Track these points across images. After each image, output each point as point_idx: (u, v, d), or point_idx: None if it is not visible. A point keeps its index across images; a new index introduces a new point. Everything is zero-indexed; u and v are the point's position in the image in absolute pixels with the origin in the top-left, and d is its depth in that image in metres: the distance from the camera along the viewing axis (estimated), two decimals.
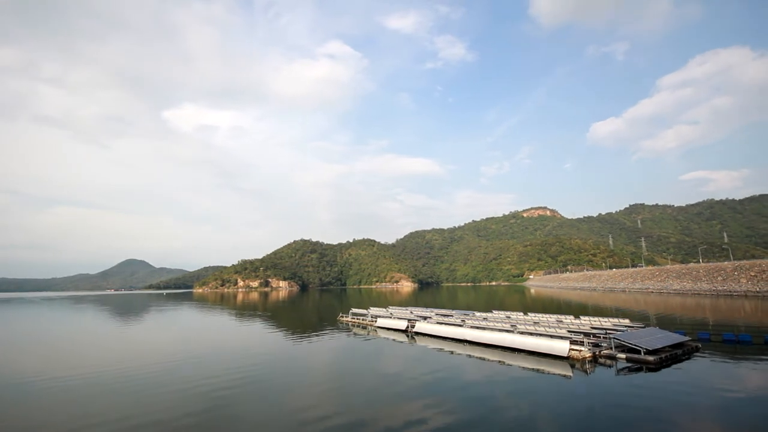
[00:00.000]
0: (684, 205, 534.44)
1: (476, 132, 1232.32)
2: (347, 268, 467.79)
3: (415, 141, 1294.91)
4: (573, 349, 22.79)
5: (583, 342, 23.79)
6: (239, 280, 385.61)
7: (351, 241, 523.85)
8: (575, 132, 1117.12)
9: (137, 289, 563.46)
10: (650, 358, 20.72)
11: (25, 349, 32.68)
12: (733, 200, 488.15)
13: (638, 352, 21.38)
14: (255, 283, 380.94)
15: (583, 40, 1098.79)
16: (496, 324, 31.54)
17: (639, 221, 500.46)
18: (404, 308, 51.01)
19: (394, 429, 12.68)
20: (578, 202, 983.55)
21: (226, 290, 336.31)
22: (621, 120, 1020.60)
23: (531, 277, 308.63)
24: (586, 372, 19.60)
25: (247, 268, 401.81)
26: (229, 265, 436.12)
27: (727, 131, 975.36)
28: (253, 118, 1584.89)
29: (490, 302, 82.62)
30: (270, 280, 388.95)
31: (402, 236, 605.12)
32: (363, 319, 44.32)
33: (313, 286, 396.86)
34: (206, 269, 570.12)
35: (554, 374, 19.34)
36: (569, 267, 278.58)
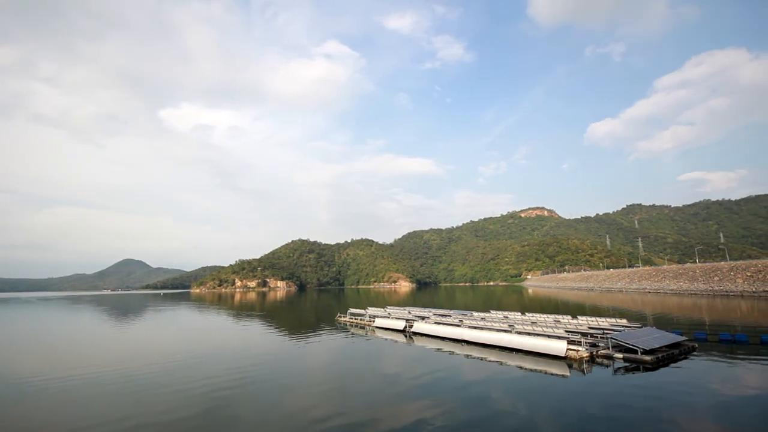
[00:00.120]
0: (681, 205, 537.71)
1: (474, 132, 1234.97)
2: (345, 268, 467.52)
3: (414, 141, 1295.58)
4: (570, 349, 22.87)
5: (580, 342, 23.87)
6: (237, 280, 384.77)
7: (349, 241, 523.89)
8: (573, 132, 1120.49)
9: (134, 289, 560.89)
10: (647, 357, 20.81)
11: (23, 350, 32.53)
12: (730, 201, 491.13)
13: (635, 351, 21.47)
14: (253, 283, 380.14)
15: (581, 40, 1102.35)
16: (493, 324, 31.60)
17: (636, 221, 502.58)
18: (402, 308, 51.03)
19: (393, 430, 12.69)
20: (576, 202, 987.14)
21: (223, 290, 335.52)
22: (618, 120, 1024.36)
23: (529, 277, 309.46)
24: (583, 372, 19.68)
25: (244, 268, 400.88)
26: (226, 265, 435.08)
27: (724, 132, 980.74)
28: (251, 117, 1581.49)
29: (487, 302, 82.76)
30: (268, 280, 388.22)
31: (400, 236, 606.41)
32: (361, 319, 44.32)
33: (311, 286, 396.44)
34: (204, 269, 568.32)
35: (552, 374, 19.40)
36: (567, 267, 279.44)
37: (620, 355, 21.74)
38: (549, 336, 25.82)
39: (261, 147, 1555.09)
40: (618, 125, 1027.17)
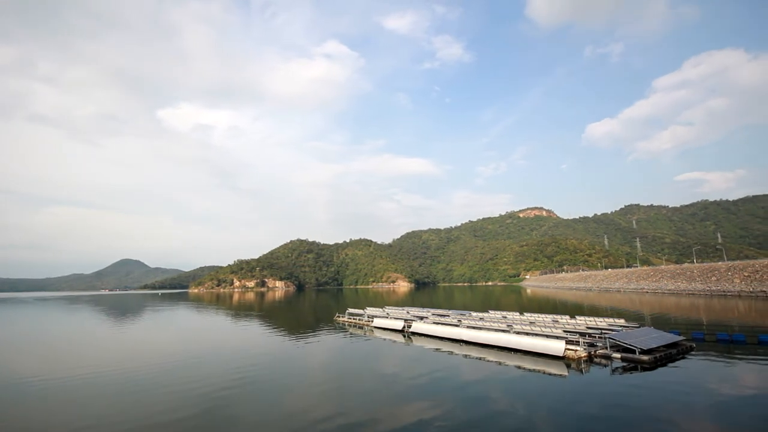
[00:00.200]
0: (678, 205, 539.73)
1: (473, 132, 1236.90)
2: (344, 268, 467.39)
3: (412, 141, 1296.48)
4: (569, 349, 22.92)
5: (578, 342, 23.92)
6: (235, 280, 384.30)
7: (347, 241, 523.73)
8: (571, 132, 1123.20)
9: (132, 289, 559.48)
10: (645, 357, 20.86)
11: (21, 350, 32.43)
12: (727, 201, 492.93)
13: (633, 351, 21.52)
14: (251, 283, 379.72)
15: (580, 40, 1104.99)
16: (492, 324, 31.63)
17: (634, 222, 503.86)
18: (401, 308, 51.04)
19: (393, 430, 12.68)
20: (574, 202, 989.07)
21: (222, 290, 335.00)
22: (617, 121, 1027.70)
23: (527, 277, 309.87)
24: (581, 372, 19.71)
25: (243, 268, 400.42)
26: (225, 265, 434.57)
27: (722, 132, 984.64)
28: (250, 117, 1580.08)
29: (486, 302, 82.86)
30: (266, 280, 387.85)
31: (399, 236, 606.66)
32: (359, 319, 44.30)
33: (309, 286, 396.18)
34: (202, 269, 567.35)
35: (550, 374, 19.43)
36: (565, 267, 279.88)
37: (618, 355, 21.78)
38: (547, 336, 25.87)
39: (260, 147, 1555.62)
40: (617, 125, 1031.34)
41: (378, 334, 35.41)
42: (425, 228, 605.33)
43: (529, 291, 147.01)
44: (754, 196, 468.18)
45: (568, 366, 20.76)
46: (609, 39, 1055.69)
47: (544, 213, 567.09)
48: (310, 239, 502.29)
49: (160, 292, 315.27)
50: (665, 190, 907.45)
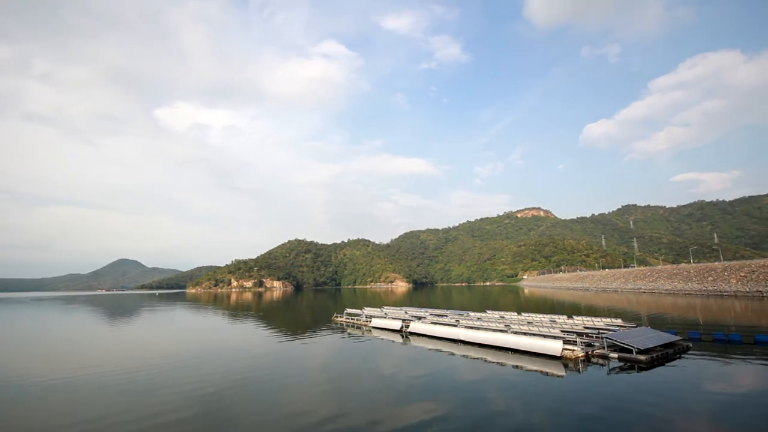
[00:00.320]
0: (675, 206, 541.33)
1: (471, 132, 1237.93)
2: (342, 268, 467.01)
3: (410, 141, 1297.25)
4: (566, 349, 22.97)
5: (576, 342, 24.00)
6: (233, 280, 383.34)
7: (346, 241, 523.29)
8: (569, 133, 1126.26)
9: (129, 289, 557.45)
10: (642, 357, 20.95)
11: (20, 350, 32.25)
12: (724, 201, 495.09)
13: (630, 351, 21.60)
14: (249, 284, 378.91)
15: (577, 41, 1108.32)
16: (490, 324, 31.69)
17: (631, 222, 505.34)
18: (399, 308, 51.06)
19: (393, 431, 12.70)
20: (571, 202, 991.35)
21: (219, 290, 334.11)
22: (613, 121, 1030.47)
23: (525, 277, 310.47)
24: (578, 371, 19.77)
25: (240, 268, 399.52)
26: (222, 265, 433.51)
27: (718, 133, 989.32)
28: (248, 117, 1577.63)
29: (484, 302, 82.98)
30: (264, 280, 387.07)
31: (397, 236, 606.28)
32: (357, 319, 44.29)
33: (307, 287, 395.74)
34: (199, 269, 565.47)
35: (548, 374, 19.47)
36: (562, 267, 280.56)
37: (615, 355, 21.86)
38: (545, 336, 25.94)
39: (258, 147, 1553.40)
40: (613, 126, 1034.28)
41: (376, 334, 35.41)
42: (423, 228, 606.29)
43: (526, 291, 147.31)
44: (750, 197, 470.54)
45: (566, 366, 20.81)
46: (606, 40, 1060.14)
47: (542, 213, 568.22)
48: (308, 239, 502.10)
49: (157, 292, 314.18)
50: (662, 191, 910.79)
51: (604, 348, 22.84)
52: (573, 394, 16.21)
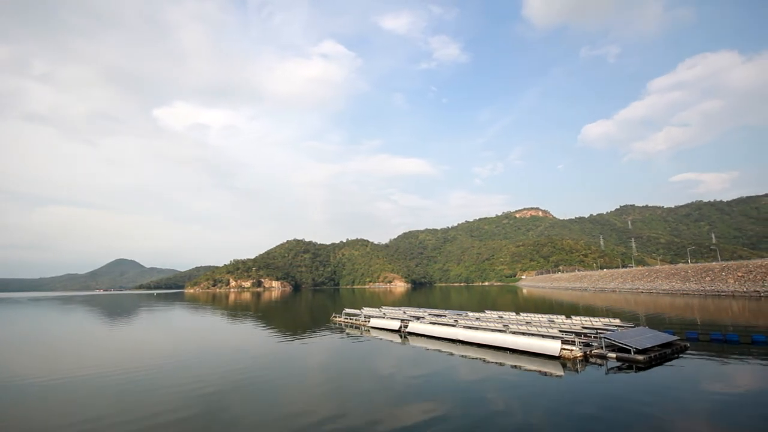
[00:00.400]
0: (673, 206, 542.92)
1: (469, 132, 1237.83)
2: (340, 268, 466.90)
3: (409, 141, 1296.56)
4: (564, 349, 23.01)
5: (574, 341, 24.04)
6: (231, 280, 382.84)
7: (344, 241, 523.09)
8: (567, 133, 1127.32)
9: (127, 289, 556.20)
10: (640, 357, 21.00)
11: (19, 350, 32.14)
12: (721, 202, 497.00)
13: (628, 351, 21.66)
14: (247, 283, 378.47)
15: (576, 41, 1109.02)
16: (488, 324, 31.73)
17: (629, 222, 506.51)
18: (397, 308, 51.07)
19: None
20: (570, 202, 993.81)
21: (217, 290, 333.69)
22: (612, 122, 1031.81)
23: (523, 277, 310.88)
24: (577, 371, 19.81)
25: (239, 268, 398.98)
26: (221, 265, 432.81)
27: (717, 134, 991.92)
28: (247, 117, 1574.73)
29: (482, 302, 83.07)
30: (262, 280, 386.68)
31: (395, 236, 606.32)
32: (356, 320, 44.28)
33: (305, 287, 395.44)
34: (198, 269, 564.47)
35: (546, 374, 19.51)
36: (561, 267, 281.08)
37: (613, 355, 21.91)
38: (543, 336, 25.98)
39: (256, 146, 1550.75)
40: (612, 126, 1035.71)
41: (375, 334, 35.41)
42: (422, 228, 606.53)
43: (525, 291, 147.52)
44: (748, 197, 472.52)
45: (564, 366, 20.84)
46: (605, 40, 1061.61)
47: (541, 213, 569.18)
48: (307, 239, 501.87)
49: (155, 292, 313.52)
50: (660, 191, 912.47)
51: (602, 348, 22.90)
52: (571, 393, 16.24)
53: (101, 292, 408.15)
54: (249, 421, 13.90)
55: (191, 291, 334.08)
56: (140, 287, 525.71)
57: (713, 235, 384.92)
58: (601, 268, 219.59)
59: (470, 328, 30.88)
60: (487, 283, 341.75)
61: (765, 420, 12.86)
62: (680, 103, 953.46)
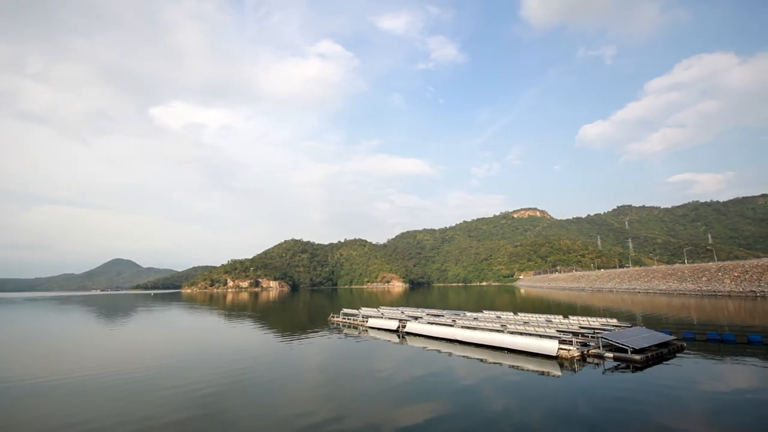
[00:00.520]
0: (670, 206, 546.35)
1: (467, 133, 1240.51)
2: (338, 268, 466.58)
3: (407, 141, 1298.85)
4: (562, 349, 23.07)
5: (571, 341, 24.10)
6: (229, 280, 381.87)
7: (342, 241, 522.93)
8: (565, 133, 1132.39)
9: (124, 289, 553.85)
10: (637, 357, 21.08)
11: (19, 350, 31.95)
12: (718, 202, 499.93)
13: (625, 351, 21.73)
14: (245, 284, 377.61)
15: (574, 42, 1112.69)
16: (486, 324, 31.76)
17: (626, 222, 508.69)
18: (395, 308, 51.06)
19: None
20: (567, 203, 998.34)
21: (215, 290, 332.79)
22: (609, 122, 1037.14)
23: (521, 277, 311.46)
24: (574, 371, 19.87)
25: (237, 268, 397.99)
26: (218, 265, 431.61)
27: (713, 134, 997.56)
28: (244, 116, 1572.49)
29: (480, 302, 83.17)
30: (260, 280, 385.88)
31: (393, 236, 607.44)
32: (354, 319, 44.26)
33: (303, 287, 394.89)
34: (195, 269, 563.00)
35: (544, 373, 19.56)
36: (558, 267, 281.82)
37: (610, 355, 21.99)
38: (541, 336, 26.03)
39: (254, 146, 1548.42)
40: (609, 127, 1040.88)
41: (373, 334, 35.40)
42: (420, 228, 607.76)
43: (522, 291, 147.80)
44: (744, 198, 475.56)
45: (561, 365, 20.91)
46: (602, 41, 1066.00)
47: (538, 214, 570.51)
48: (305, 239, 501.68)
49: (152, 292, 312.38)
50: (657, 192, 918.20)
51: (599, 348, 22.97)
52: (569, 393, 16.29)
53: (98, 292, 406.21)
54: (248, 422, 13.87)
55: (188, 291, 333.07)
56: (137, 287, 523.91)
57: (710, 236, 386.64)
58: (599, 268, 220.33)
59: (468, 328, 30.91)
60: (484, 283, 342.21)
61: (762, 419, 12.95)
62: (677, 104, 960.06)
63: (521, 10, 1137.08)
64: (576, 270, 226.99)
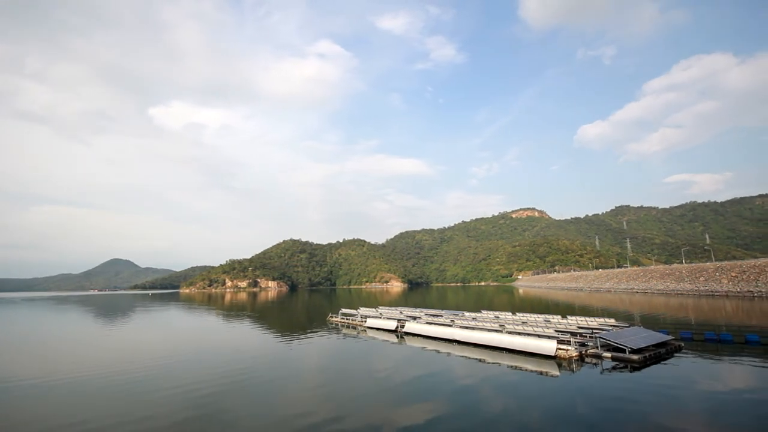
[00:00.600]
0: (668, 207, 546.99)
1: (466, 133, 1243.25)
2: (337, 268, 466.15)
3: (406, 141, 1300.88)
4: (560, 349, 23.14)
5: (569, 341, 24.16)
6: (227, 280, 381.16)
7: (341, 241, 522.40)
8: (563, 134, 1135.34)
9: (122, 289, 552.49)
10: (635, 356, 21.15)
11: (19, 350, 31.85)
12: (715, 202, 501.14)
13: (623, 351, 21.81)
14: (243, 284, 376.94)
15: (573, 43, 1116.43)
16: (485, 324, 31.81)
17: (624, 222, 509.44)
18: (394, 308, 51.09)
19: None
20: (566, 203, 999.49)
21: (213, 290, 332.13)
22: (607, 123, 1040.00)
23: (519, 277, 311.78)
24: (572, 371, 19.93)
25: (235, 268, 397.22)
26: (217, 265, 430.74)
27: (711, 135, 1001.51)
28: (243, 116, 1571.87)
29: (479, 302, 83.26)
30: (259, 280, 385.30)
31: (392, 236, 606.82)
32: (353, 320, 44.27)
33: (302, 287, 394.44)
34: (193, 269, 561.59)
35: (542, 373, 19.62)
36: (557, 267, 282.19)
37: (608, 354, 22.05)
38: (539, 336, 26.10)
39: (253, 146, 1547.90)
40: (608, 127, 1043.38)
41: (371, 334, 35.41)
42: (419, 228, 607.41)
43: (521, 291, 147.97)
44: (742, 198, 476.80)
45: (560, 365, 20.97)
46: (601, 42, 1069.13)
47: (537, 214, 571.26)
48: (304, 239, 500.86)
49: (150, 292, 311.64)
50: (655, 192, 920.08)
51: (597, 348, 23.04)
52: (567, 393, 16.35)
53: (96, 292, 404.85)
54: (248, 422, 13.88)
55: (187, 291, 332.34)
56: (135, 287, 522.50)
57: (707, 236, 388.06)
58: (597, 268, 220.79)
59: (467, 328, 30.96)
60: (483, 283, 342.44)
61: (759, 419, 13.02)
62: (675, 105, 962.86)
63: (520, 11, 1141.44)
64: (574, 270, 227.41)
